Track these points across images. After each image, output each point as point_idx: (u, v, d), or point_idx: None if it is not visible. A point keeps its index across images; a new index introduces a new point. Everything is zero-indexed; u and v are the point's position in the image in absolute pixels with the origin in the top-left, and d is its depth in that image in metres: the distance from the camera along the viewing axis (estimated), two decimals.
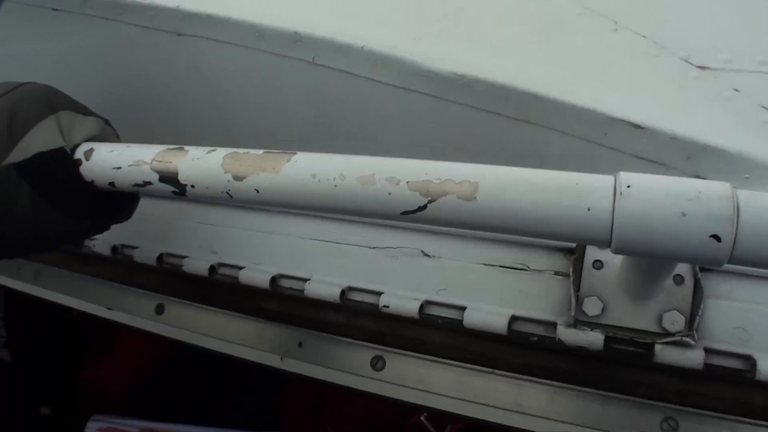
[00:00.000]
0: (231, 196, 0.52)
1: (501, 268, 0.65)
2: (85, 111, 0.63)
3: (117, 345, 1.68)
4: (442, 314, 0.65)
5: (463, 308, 0.64)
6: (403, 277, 0.67)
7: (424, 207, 0.46)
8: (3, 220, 0.55)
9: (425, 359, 0.72)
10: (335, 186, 0.47)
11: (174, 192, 0.55)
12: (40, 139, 0.58)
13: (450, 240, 0.67)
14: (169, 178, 0.54)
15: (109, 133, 0.66)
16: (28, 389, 1.65)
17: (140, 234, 0.82)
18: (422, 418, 1.46)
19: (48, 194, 0.57)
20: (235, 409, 1.95)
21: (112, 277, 0.88)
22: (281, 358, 0.79)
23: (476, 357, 0.69)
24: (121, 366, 1.64)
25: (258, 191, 0.50)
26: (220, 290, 0.80)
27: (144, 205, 0.87)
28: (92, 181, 0.59)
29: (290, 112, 0.74)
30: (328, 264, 0.71)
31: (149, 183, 0.56)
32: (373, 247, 0.69)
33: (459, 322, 0.64)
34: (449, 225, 0.47)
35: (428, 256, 0.67)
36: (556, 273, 0.64)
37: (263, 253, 0.75)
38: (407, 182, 0.46)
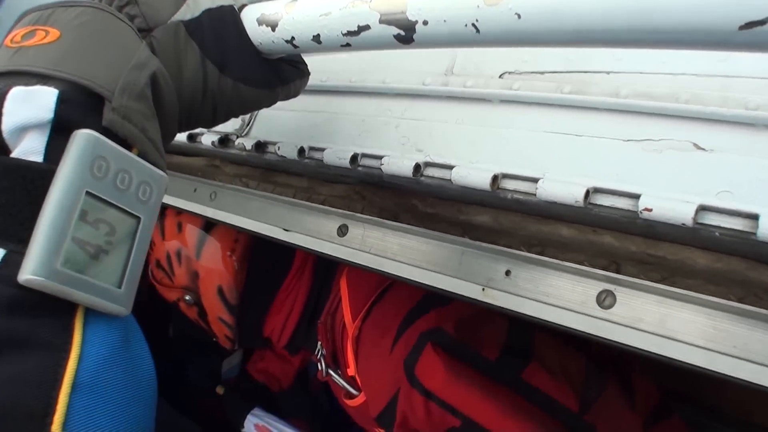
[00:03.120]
0: (478, 30, 0.40)
1: None
2: None
3: None
4: (723, 224, 0.49)
5: (755, 216, 0.47)
6: (668, 176, 0.51)
7: None
8: (175, 80, 0.52)
9: (671, 294, 0.56)
10: None
11: (398, 36, 0.44)
12: None
13: (731, 129, 0.50)
14: (393, 17, 0.44)
15: None
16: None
17: (331, 134, 0.74)
18: None
19: (215, 56, 0.55)
20: None
21: (294, 192, 0.80)
22: (483, 289, 0.67)
23: (751, 290, 0.53)
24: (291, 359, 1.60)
25: (520, 16, 0.38)
26: (420, 203, 0.69)
27: (332, 102, 0.79)
28: (271, 42, 0.55)
29: None
30: (566, 162, 0.56)
31: (365, 28, 0.46)
32: (627, 140, 0.54)
33: (748, 236, 0.47)
34: None
35: (703, 149, 0.51)
36: None
37: (481, 150, 0.62)
38: None
